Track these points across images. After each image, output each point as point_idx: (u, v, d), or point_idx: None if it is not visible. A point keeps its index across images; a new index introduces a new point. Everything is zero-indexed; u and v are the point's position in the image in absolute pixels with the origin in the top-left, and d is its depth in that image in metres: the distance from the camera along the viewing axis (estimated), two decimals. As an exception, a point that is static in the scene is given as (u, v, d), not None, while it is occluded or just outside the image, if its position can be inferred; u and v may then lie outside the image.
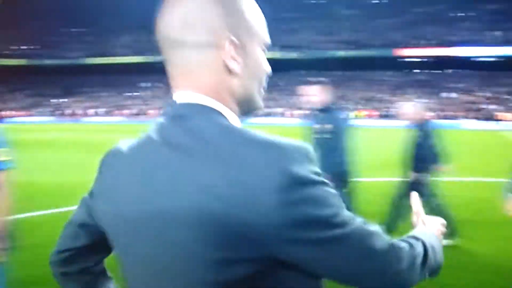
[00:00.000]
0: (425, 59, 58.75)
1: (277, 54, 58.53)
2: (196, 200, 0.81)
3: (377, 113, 51.76)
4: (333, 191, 0.86)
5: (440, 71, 59.74)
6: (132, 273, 0.97)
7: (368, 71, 61.28)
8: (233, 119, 0.95)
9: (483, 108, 50.48)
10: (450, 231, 5.29)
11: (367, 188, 7.79)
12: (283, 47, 60.21)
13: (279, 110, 53.59)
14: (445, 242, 3.86)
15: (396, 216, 5.76)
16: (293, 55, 60.63)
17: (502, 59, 55.69)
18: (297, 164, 0.82)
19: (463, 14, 62.50)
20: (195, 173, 0.83)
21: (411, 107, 5.85)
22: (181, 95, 0.95)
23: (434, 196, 5.73)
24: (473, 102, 52.27)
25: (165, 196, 0.86)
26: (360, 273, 0.88)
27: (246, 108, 1.00)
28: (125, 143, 1.00)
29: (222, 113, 0.93)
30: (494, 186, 6.76)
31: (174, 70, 0.96)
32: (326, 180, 0.86)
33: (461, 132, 30.67)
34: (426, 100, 53.04)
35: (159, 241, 0.87)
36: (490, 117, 47.60)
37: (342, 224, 0.85)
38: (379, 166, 12.22)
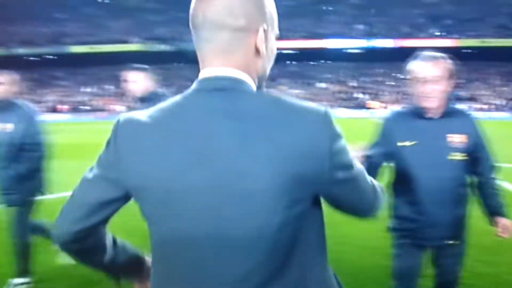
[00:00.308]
0: (297, 51, 59.00)
1: (140, 47, 54.96)
2: (269, 158, 0.99)
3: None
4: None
5: (312, 63, 60.68)
6: (181, 229, 1.04)
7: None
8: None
9: (355, 97, 52.14)
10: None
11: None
12: (152, 39, 56.68)
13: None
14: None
15: None
16: (161, 47, 56.90)
17: (367, 51, 58.23)
18: (333, 122, 1.07)
19: (330, 8, 64.25)
20: (264, 136, 1.00)
21: None
22: (218, 71, 1.10)
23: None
24: (345, 92, 53.85)
25: (236, 158, 1.00)
26: (362, 200, 1.19)
27: (258, 84, 1.17)
28: (143, 114, 1.10)
29: (253, 86, 1.12)
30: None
31: (212, 49, 1.10)
32: None
33: (337, 120, 31.53)
34: (300, 91, 53.57)
35: (229, 196, 1.00)
36: (361, 106, 49.19)
37: (354, 165, 1.13)
38: None
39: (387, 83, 56.42)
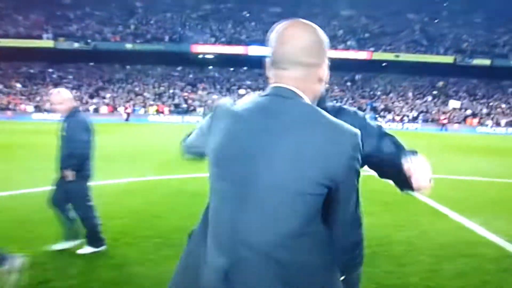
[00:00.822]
0: (218, 56, 57.71)
1: (51, 43, 51.34)
2: (310, 154, 1.36)
3: (168, 108, 48.94)
4: None
5: (233, 69, 59.71)
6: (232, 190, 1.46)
7: (160, 65, 57.83)
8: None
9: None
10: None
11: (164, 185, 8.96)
12: (63, 36, 53.03)
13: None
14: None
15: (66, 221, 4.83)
16: (75, 45, 53.22)
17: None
18: (356, 138, 1.40)
19: (252, 15, 63.78)
20: (309, 137, 1.38)
21: (57, 95, 4.73)
22: (285, 85, 1.51)
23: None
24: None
25: (284, 148, 1.39)
26: (340, 218, 1.48)
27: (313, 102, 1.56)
28: (241, 105, 1.54)
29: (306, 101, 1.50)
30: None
31: (286, 75, 1.52)
32: None
33: None
34: (221, 96, 52.44)
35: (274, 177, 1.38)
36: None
37: (354, 187, 1.51)
38: (168, 163, 12.30)
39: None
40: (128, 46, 53.84)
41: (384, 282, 4.13)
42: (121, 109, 46.94)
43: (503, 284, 4.31)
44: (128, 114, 44.16)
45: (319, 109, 1.45)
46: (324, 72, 1.56)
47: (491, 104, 55.24)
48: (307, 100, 1.50)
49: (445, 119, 47.73)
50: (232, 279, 1.41)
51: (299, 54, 1.48)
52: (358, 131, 1.41)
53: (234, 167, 1.44)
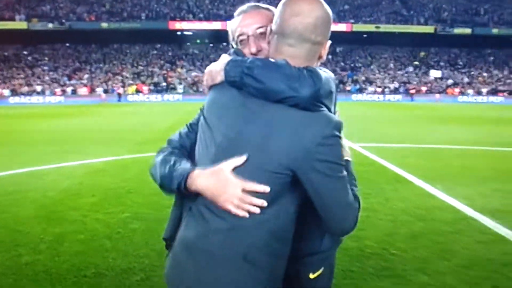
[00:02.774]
0: (198, 33, 57.13)
1: (24, 25, 50.19)
2: (280, 135, 1.38)
3: (148, 87, 48.51)
4: (342, 145, 1.44)
5: (212, 45, 59.24)
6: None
7: (137, 44, 57.05)
8: None
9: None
10: None
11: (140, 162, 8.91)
12: (37, 17, 51.83)
13: (40, 88, 46.53)
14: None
15: None
16: (49, 26, 52.08)
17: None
18: (327, 129, 1.38)
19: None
20: (283, 119, 1.40)
21: None
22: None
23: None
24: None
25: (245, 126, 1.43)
26: (335, 202, 1.43)
27: None
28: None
29: None
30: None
31: (292, 53, 1.48)
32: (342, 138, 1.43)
33: None
34: (199, 73, 52.14)
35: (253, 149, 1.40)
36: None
37: (341, 170, 1.42)
38: (150, 141, 12.35)
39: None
40: (104, 25, 52.93)
41: (340, 245, 4.34)
42: (99, 89, 46.44)
43: (454, 244, 4.56)
44: (120, 95, 43.79)
45: None
46: (325, 49, 1.56)
47: (472, 73, 55.90)
48: None
49: (413, 88, 48.17)
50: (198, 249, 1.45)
51: (309, 30, 1.46)
52: (334, 121, 1.40)
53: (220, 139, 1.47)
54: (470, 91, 50.78)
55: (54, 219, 5.25)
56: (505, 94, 49.78)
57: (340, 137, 1.41)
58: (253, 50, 1.66)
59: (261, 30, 1.68)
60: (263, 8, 1.75)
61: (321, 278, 1.69)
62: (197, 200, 1.47)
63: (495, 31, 56.46)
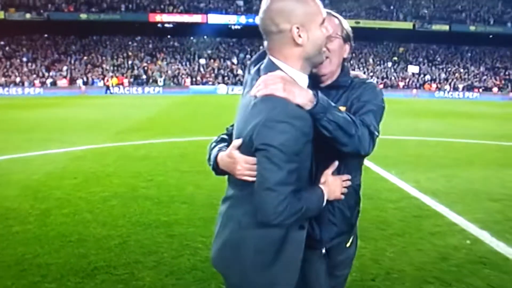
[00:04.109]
0: (177, 25, 57.13)
1: (1, 14, 49.61)
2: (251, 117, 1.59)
3: (128, 79, 48.54)
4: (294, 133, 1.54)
5: (192, 38, 59.34)
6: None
7: (117, 36, 56.83)
8: (291, 71, 1.65)
9: (236, 74, 52.18)
10: None
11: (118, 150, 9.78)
12: (14, 6, 51.21)
13: (18, 79, 46.17)
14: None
15: None
16: (27, 16, 51.50)
17: (247, 27, 58.31)
18: (280, 110, 1.51)
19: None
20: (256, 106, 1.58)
21: None
22: (271, 57, 1.68)
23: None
24: (226, 68, 53.61)
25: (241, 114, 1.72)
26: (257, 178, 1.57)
27: (312, 62, 1.71)
28: None
29: (282, 69, 1.64)
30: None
31: (267, 47, 1.69)
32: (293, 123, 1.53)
33: (218, 97, 33.94)
34: (180, 66, 52.34)
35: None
36: (242, 82, 49.40)
37: (268, 147, 1.51)
38: (129, 130, 13.25)
39: (266, 60, 57.17)
40: (83, 16, 52.63)
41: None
42: (79, 81, 46.33)
43: (392, 218, 5.24)
44: (108, 87, 43.76)
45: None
46: (298, 36, 1.60)
47: (449, 69, 57.20)
48: (293, 66, 1.65)
49: (381, 84, 49.03)
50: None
51: (266, 23, 1.62)
52: (286, 111, 1.53)
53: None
54: (447, 87, 52.00)
55: (40, 197, 5.81)
56: (481, 90, 51.18)
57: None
58: (331, 31, 1.78)
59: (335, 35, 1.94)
60: (334, 15, 2.06)
61: (352, 245, 2.10)
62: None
63: (472, 28, 57.72)
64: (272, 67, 1.64)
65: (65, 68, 49.81)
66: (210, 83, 48.81)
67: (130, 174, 7.19)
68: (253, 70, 1.78)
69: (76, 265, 3.74)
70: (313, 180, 1.76)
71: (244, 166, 1.62)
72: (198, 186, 6.46)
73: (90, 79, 47.55)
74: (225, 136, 1.99)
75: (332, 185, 1.75)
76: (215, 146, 1.92)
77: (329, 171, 1.76)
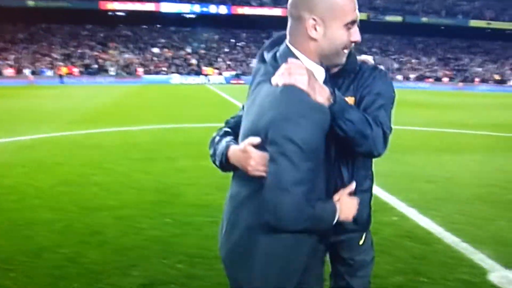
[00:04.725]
0: (129, 14, 56.07)
1: None
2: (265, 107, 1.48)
3: (78, 69, 47.36)
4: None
5: (145, 26, 58.46)
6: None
7: (67, 24, 55.20)
8: (308, 62, 1.54)
9: (189, 64, 51.92)
10: None
11: (70, 140, 9.86)
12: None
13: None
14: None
15: None
16: None
17: (202, 17, 57.99)
18: (303, 103, 1.41)
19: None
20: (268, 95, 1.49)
21: None
22: (285, 44, 1.59)
23: None
24: (180, 58, 53.23)
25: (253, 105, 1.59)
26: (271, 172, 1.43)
27: (329, 62, 1.60)
28: None
29: (300, 58, 1.53)
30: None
31: (289, 29, 1.57)
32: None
33: (171, 86, 33.65)
34: (132, 56, 51.55)
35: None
36: (196, 72, 49.30)
37: (281, 143, 1.40)
38: (81, 120, 13.27)
39: (221, 49, 57.21)
40: (30, 3, 50.78)
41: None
42: (27, 71, 44.81)
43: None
44: (61, 76, 42.34)
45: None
46: (312, 28, 1.49)
47: (402, 59, 58.95)
48: (309, 58, 1.54)
49: None
50: None
51: (291, 3, 1.53)
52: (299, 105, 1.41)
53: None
54: (399, 77, 53.59)
55: (-13, 186, 5.89)
56: (432, 80, 53.13)
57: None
58: (359, 38, 1.63)
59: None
60: None
61: (366, 243, 1.99)
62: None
63: (424, 19, 59.72)
64: (290, 55, 1.54)
65: (12, 57, 48.01)
66: (164, 72, 48.36)
67: (80, 162, 7.32)
68: (267, 56, 1.64)
69: (23, 246, 3.93)
70: (326, 184, 1.62)
71: (259, 162, 1.49)
72: (147, 173, 6.70)
73: (38, 68, 46.07)
74: (228, 130, 1.84)
75: (346, 205, 1.61)
76: (220, 140, 1.76)
77: (345, 191, 1.65)
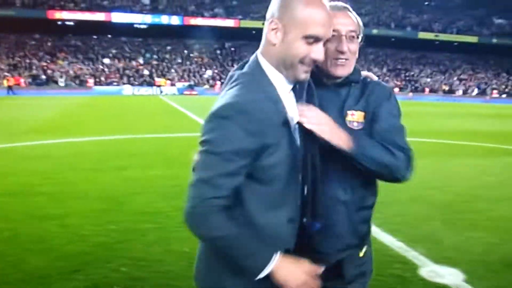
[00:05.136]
0: (79, 24, 54.88)
1: None
2: None
3: (25, 80, 45.84)
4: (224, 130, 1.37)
5: (95, 37, 57.45)
6: None
7: (13, 33, 53.38)
8: (267, 67, 1.49)
9: (141, 74, 51.44)
10: None
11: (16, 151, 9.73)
12: None
13: None
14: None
15: None
16: None
17: (153, 27, 57.67)
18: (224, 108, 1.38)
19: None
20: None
21: None
22: (258, 51, 1.54)
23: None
24: (132, 68, 52.64)
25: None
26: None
27: (288, 74, 1.48)
28: None
29: (261, 64, 1.50)
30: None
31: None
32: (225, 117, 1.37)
33: (123, 97, 33.46)
34: (82, 66, 50.50)
35: None
36: (149, 83, 48.92)
37: (211, 146, 1.38)
38: (28, 131, 13.03)
39: (174, 60, 57.03)
40: (-27, 11, 48.89)
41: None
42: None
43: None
44: (10, 87, 40.45)
45: (237, 81, 1.47)
46: (270, 32, 1.45)
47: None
48: (269, 62, 1.48)
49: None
50: None
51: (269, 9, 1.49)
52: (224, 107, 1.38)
53: None
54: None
55: None
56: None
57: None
58: (345, 49, 1.65)
59: (353, 34, 1.70)
60: (350, 11, 1.75)
61: (366, 255, 1.87)
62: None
63: (375, 31, 61.62)
64: (254, 63, 1.50)
65: (-48, 67, 45.99)
66: (115, 83, 47.67)
67: (26, 173, 7.28)
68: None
69: (-33, 255, 3.98)
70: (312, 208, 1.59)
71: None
72: (94, 182, 6.77)
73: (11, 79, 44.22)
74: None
75: (290, 273, 1.44)
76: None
77: (306, 263, 1.49)
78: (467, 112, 27.64)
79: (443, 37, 65.57)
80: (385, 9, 66.98)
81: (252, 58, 1.52)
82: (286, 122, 1.45)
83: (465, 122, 19.37)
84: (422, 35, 64.23)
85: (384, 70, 62.27)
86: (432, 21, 67.93)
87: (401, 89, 56.52)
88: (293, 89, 1.54)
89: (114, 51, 55.35)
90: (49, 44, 54.33)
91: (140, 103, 28.73)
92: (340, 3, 1.74)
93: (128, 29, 57.18)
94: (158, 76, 50.73)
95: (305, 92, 1.58)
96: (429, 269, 3.92)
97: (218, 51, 61.16)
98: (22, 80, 45.19)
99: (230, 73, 1.58)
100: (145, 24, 57.81)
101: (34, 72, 47.96)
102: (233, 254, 1.40)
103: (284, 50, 1.43)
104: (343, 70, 1.69)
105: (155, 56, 56.25)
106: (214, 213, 1.36)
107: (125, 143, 11.18)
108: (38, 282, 3.51)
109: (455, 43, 66.33)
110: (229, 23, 58.72)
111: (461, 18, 68.94)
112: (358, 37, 1.72)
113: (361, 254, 1.86)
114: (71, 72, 48.89)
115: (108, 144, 10.98)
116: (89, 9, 54.15)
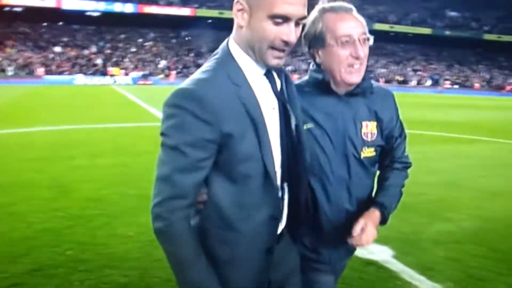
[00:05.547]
0: (27, 10, 52.84)
1: None
2: None
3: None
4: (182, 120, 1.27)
5: (45, 24, 55.52)
6: None
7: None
8: (237, 51, 1.39)
9: (94, 64, 50.24)
10: None
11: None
12: None
13: None
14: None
15: None
16: None
17: (107, 15, 56.35)
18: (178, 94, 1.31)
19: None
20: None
21: None
22: (230, 37, 1.44)
23: None
24: (84, 57, 51.30)
25: None
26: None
27: (258, 58, 1.38)
28: None
29: (231, 50, 1.40)
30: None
31: None
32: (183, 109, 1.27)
33: (74, 87, 32.74)
34: (31, 55, 48.79)
35: None
36: (101, 72, 47.87)
37: (165, 138, 1.30)
38: None
39: (128, 49, 55.97)
40: None
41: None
42: None
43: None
44: None
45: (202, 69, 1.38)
46: (236, 13, 1.34)
47: (309, 60, 61.06)
48: (239, 45, 1.39)
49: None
50: None
51: None
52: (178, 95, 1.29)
53: None
54: (307, 77, 55.40)
55: None
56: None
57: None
58: (362, 54, 1.60)
59: (364, 36, 1.64)
60: (355, 11, 1.69)
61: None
62: None
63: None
64: (224, 49, 1.41)
65: None
66: (67, 73, 46.35)
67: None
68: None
69: None
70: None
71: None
72: (41, 172, 6.81)
73: None
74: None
75: None
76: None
77: None
78: (420, 102, 28.58)
79: (398, 28, 67.44)
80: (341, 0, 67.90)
81: (222, 45, 1.43)
82: (253, 109, 1.33)
83: (417, 112, 20.12)
84: (378, 26, 65.71)
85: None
86: (387, 12, 69.67)
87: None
88: (268, 74, 1.43)
89: (65, 39, 53.69)
90: (-5, 31, 52.12)
91: (92, 93, 28.17)
92: (346, 3, 1.69)
93: (80, 17, 55.61)
94: (112, 66, 49.67)
95: (283, 81, 1.52)
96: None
97: (174, 40, 60.45)
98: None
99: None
100: (97, 11, 56.35)
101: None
102: (177, 272, 1.33)
103: (251, 32, 1.32)
104: (358, 76, 1.64)
105: (108, 45, 54.99)
106: (176, 223, 1.27)
107: (75, 133, 11.12)
108: (-17, 267, 3.62)
109: (410, 35, 68.48)
110: (185, 11, 58.11)
111: (415, 10, 71.12)
112: (369, 39, 1.65)
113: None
114: (20, 60, 47.12)
115: (57, 134, 10.89)
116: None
